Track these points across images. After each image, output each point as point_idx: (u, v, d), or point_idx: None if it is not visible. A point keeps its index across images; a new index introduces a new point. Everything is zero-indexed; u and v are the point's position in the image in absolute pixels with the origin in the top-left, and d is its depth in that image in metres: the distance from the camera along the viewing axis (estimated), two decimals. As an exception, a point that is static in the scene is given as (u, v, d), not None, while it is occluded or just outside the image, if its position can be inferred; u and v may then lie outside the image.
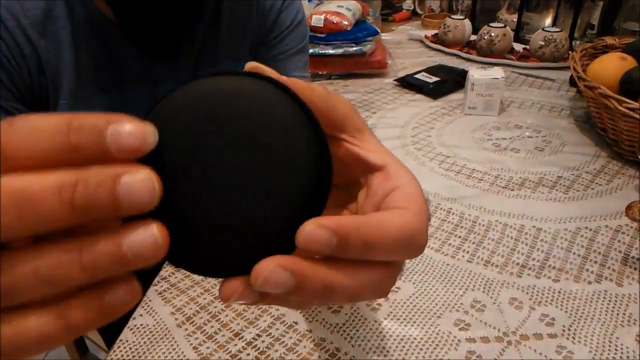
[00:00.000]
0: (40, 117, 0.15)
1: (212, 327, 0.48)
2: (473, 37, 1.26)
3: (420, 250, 0.21)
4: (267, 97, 0.19)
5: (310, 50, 1.09)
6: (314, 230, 0.17)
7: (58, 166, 0.15)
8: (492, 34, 1.17)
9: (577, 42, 1.22)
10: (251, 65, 0.21)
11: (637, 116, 0.66)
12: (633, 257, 0.55)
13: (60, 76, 0.49)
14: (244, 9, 0.59)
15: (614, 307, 0.49)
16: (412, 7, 1.66)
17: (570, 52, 1.06)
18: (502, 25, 1.19)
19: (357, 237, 0.18)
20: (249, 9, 0.59)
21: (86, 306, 0.16)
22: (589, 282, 0.52)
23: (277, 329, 0.47)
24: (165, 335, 0.47)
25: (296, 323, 0.48)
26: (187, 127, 0.18)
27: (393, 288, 0.51)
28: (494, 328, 0.47)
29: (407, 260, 0.56)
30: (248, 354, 0.45)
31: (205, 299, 0.51)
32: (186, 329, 0.48)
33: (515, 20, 1.31)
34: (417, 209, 0.21)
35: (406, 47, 1.35)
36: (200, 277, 0.54)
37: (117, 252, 0.16)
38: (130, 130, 0.15)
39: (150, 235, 0.16)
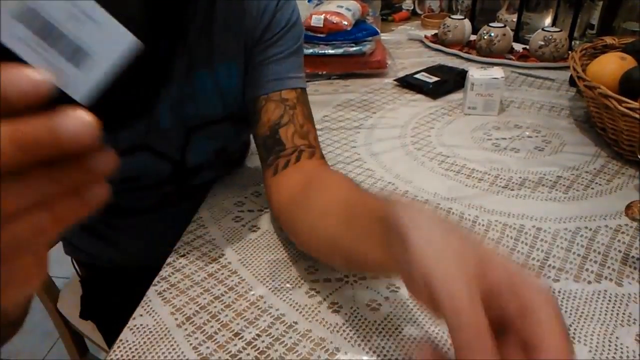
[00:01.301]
0: None
1: (212, 327, 0.48)
2: (473, 37, 1.26)
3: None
4: None
5: (310, 50, 1.09)
6: None
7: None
8: (492, 34, 1.17)
9: (577, 42, 1.22)
10: None
11: (637, 116, 0.66)
12: (633, 257, 0.55)
13: None
14: (238, 9, 0.58)
15: (613, 307, 0.49)
16: (412, 7, 1.66)
17: (570, 52, 1.07)
18: (501, 25, 1.19)
19: None
20: (242, 9, 0.59)
21: (70, 202, 0.20)
22: (589, 282, 0.52)
23: (277, 329, 0.47)
24: (165, 335, 0.47)
25: (296, 323, 0.48)
26: None
27: (393, 288, 0.51)
28: (494, 328, 0.47)
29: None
30: (248, 354, 0.45)
31: (205, 299, 0.51)
32: (186, 329, 0.48)
33: (515, 20, 1.31)
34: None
35: (406, 47, 1.35)
36: (201, 277, 0.54)
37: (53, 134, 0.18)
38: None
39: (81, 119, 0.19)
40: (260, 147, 0.61)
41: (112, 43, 0.18)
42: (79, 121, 0.18)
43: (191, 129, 0.62)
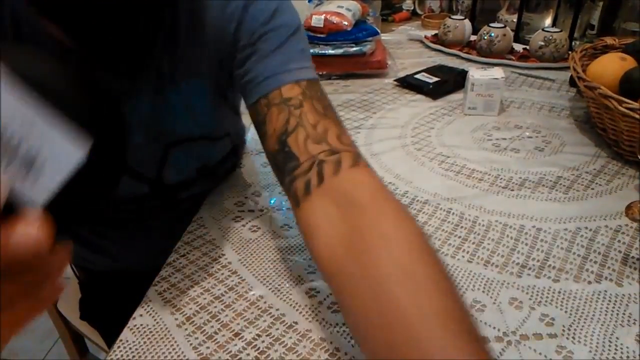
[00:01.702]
0: None
1: (212, 327, 0.48)
2: (473, 38, 1.26)
3: None
4: None
5: (311, 50, 1.09)
6: None
7: None
8: (492, 34, 1.17)
9: (577, 43, 1.22)
10: None
11: (637, 116, 0.66)
12: (633, 257, 0.55)
13: None
14: (200, 23, 0.52)
15: (614, 307, 0.49)
16: (412, 8, 1.66)
17: (570, 52, 1.06)
18: (502, 25, 1.19)
19: None
20: (204, 23, 0.52)
21: (25, 302, 0.22)
22: (589, 282, 0.52)
23: (277, 329, 0.47)
24: (165, 335, 0.47)
25: (296, 323, 0.48)
26: None
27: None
28: (494, 328, 0.47)
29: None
30: (248, 354, 0.45)
31: (205, 299, 0.51)
32: (186, 329, 0.48)
33: (515, 20, 1.31)
34: None
35: (406, 48, 1.35)
36: (201, 277, 0.54)
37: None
38: None
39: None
40: (274, 168, 0.50)
41: (65, 153, 0.20)
42: (29, 238, 0.20)
43: (167, 145, 0.59)
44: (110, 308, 0.73)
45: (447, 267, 0.40)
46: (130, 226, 0.70)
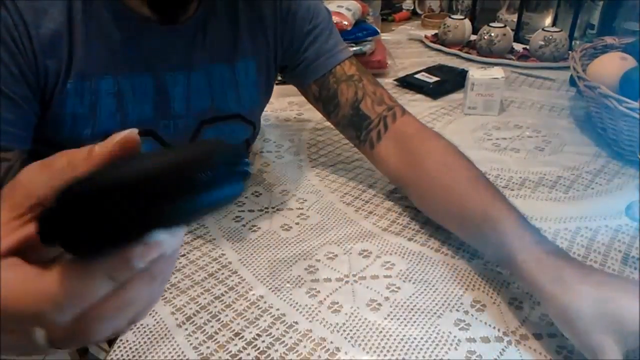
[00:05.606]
0: None
1: (212, 327, 0.48)
2: (473, 37, 1.26)
3: None
4: None
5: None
6: None
7: None
8: (492, 34, 1.17)
9: (577, 42, 1.22)
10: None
11: (637, 116, 0.66)
12: (633, 257, 0.55)
13: (72, 57, 0.49)
14: (261, 10, 0.60)
15: (614, 307, 0.49)
16: (412, 7, 1.66)
17: (570, 52, 1.06)
18: (502, 25, 1.19)
19: None
20: (265, 11, 0.61)
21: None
22: (589, 282, 0.52)
23: (277, 329, 0.47)
24: (165, 335, 0.47)
25: (296, 323, 0.48)
26: None
27: (393, 288, 0.51)
28: (494, 328, 0.47)
29: (407, 260, 0.56)
30: (248, 354, 0.45)
31: (205, 299, 0.51)
32: (186, 329, 0.48)
33: (515, 20, 1.31)
34: None
35: (406, 47, 1.35)
36: (201, 277, 0.54)
37: None
38: None
39: None
40: (348, 128, 0.66)
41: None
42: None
43: (202, 121, 0.61)
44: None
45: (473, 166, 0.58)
46: None
